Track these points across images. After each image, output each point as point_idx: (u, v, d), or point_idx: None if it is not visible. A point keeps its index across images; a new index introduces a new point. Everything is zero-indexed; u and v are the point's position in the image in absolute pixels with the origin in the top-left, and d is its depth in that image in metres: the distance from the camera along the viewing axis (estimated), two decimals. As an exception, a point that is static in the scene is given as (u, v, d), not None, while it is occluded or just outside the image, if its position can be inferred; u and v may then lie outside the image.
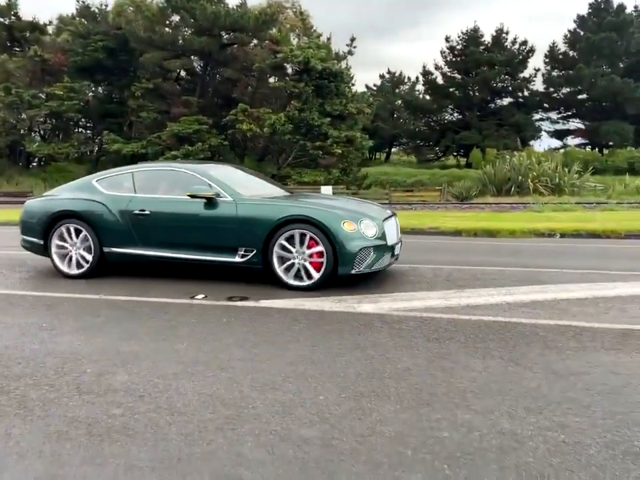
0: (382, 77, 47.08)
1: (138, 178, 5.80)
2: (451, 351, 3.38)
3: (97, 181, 5.92)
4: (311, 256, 4.91)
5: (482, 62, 38.72)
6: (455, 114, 43.37)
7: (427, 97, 43.41)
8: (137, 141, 28.15)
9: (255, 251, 5.06)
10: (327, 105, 25.66)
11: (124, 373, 3.05)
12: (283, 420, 2.46)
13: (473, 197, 22.34)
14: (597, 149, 37.60)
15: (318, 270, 4.89)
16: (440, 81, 42.25)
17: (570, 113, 41.36)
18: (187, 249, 5.34)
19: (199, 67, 30.70)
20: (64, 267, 5.70)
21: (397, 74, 46.90)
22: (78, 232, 5.64)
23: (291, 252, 4.96)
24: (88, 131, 36.76)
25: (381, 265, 5.13)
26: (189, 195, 5.28)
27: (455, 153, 44.23)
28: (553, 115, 41.93)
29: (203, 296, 4.83)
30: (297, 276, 4.97)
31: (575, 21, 40.13)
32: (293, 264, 4.97)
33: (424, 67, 42.69)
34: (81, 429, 2.40)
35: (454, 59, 41.22)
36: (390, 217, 5.56)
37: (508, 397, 2.69)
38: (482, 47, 39.82)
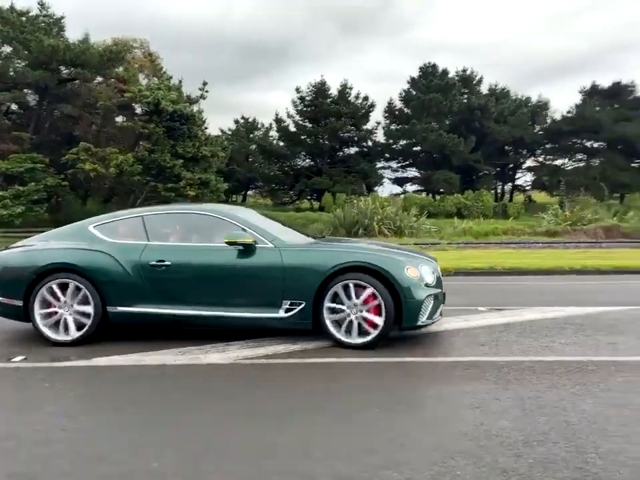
0: (237, 122, 47.82)
1: (150, 222, 4.95)
2: (295, 397, 3.36)
3: (95, 226, 4.98)
4: (368, 308, 4.32)
5: (330, 113, 41.38)
6: (307, 160, 45.43)
7: (281, 143, 44.96)
8: (-46, 179, 24.62)
9: (303, 304, 4.39)
10: (179, 147, 25.17)
11: None
12: (107, 497, 2.20)
13: (325, 238, 23.28)
14: (430, 195, 41.97)
15: (377, 324, 4.31)
16: (292, 128, 44.14)
17: (407, 163, 45.80)
18: (217, 305, 4.55)
19: (34, 101, 28.19)
20: (53, 333, 4.61)
21: (250, 120, 48.02)
22: (73, 289, 4.61)
23: (344, 304, 4.35)
24: None
25: (438, 315, 4.66)
26: (226, 242, 4.56)
27: (309, 197, 46.08)
28: (393, 164, 46.08)
29: (22, 357, 4.24)
30: (354, 332, 4.36)
31: (408, 82, 45.14)
32: (348, 318, 4.36)
33: (276, 114, 44.38)
34: None
35: (304, 109, 43.47)
36: (435, 261, 5.10)
37: (339, 440, 2.73)
38: (329, 99, 42.62)
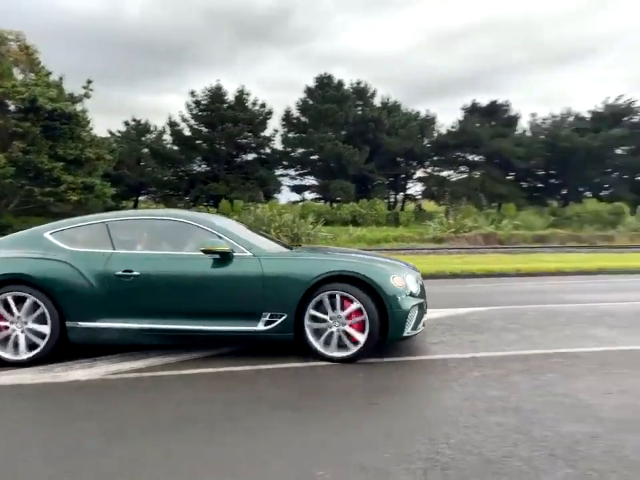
0: (127, 124, 45.52)
1: (115, 229, 4.59)
2: (162, 411, 3.23)
3: (52, 233, 4.56)
4: (352, 323, 4.16)
5: (226, 118, 40.82)
6: (204, 165, 44.34)
7: (175, 147, 43.53)
8: None
9: (285, 316, 4.18)
10: (60, 149, 23.29)
11: None
12: None
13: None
14: (328, 203, 42.97)
15: (362, 334, 4.14)
16: (187, 132, 42.92)
17: (306, 171, 46.51)
18: (191, 318, 4.26)
19: None
20: (3, 351, 4.19)
21: (142, 122, 45.99)
22: (25, 302, 4.20)
23: (326, 315, 4.18)
24: None
25: (422, 326, 4.53)
26: (202, 251, 4.29)
27: (205, 203, 44.97)
28: (292, 172, 46.54)
29: None
30: (334, 344, 4.20)
31: (305, 92, 45.94)
32: (329, 330, 4.19)
33: (170, 117, 42.94)
34: None
35: (200, 113, 42.46)
36: (418, 270, 5.07)
37: (205, 453, 2.67)
38: (225, 105, 42.08)
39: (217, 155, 42.45)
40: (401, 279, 4.33)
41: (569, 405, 3.25)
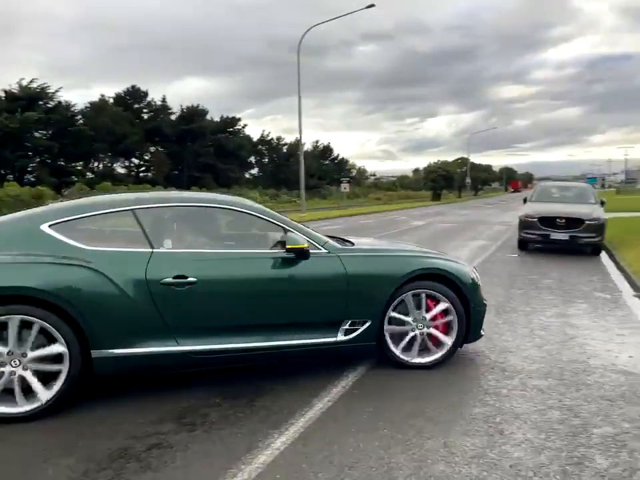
0: None
1: (147, 219, 3.45)
2: None
3: (52, 226, 3.23)
4: (434, 319, 3.86)
5: None
6: None
7: None
8: None
9: (368, 323, 3.69)
10: None
11: None
12: None
13: None
14: None
15: (447, 337, 3.89)
16: None
17: None
18: (261, 332, 3.48)
19: None
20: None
21: None
22: (30, 328, 2.95)
23: (408, 317, 3.84)
24: None
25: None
26: (289, 249, 3.51)
27: None
28: None
29: None
30: (420, 349, 3.88)
31: None
32: (411, 335, 3.85)
33: None
34: None
35: None
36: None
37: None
38: None
39: None
40: (475, 274, 4.13)
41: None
